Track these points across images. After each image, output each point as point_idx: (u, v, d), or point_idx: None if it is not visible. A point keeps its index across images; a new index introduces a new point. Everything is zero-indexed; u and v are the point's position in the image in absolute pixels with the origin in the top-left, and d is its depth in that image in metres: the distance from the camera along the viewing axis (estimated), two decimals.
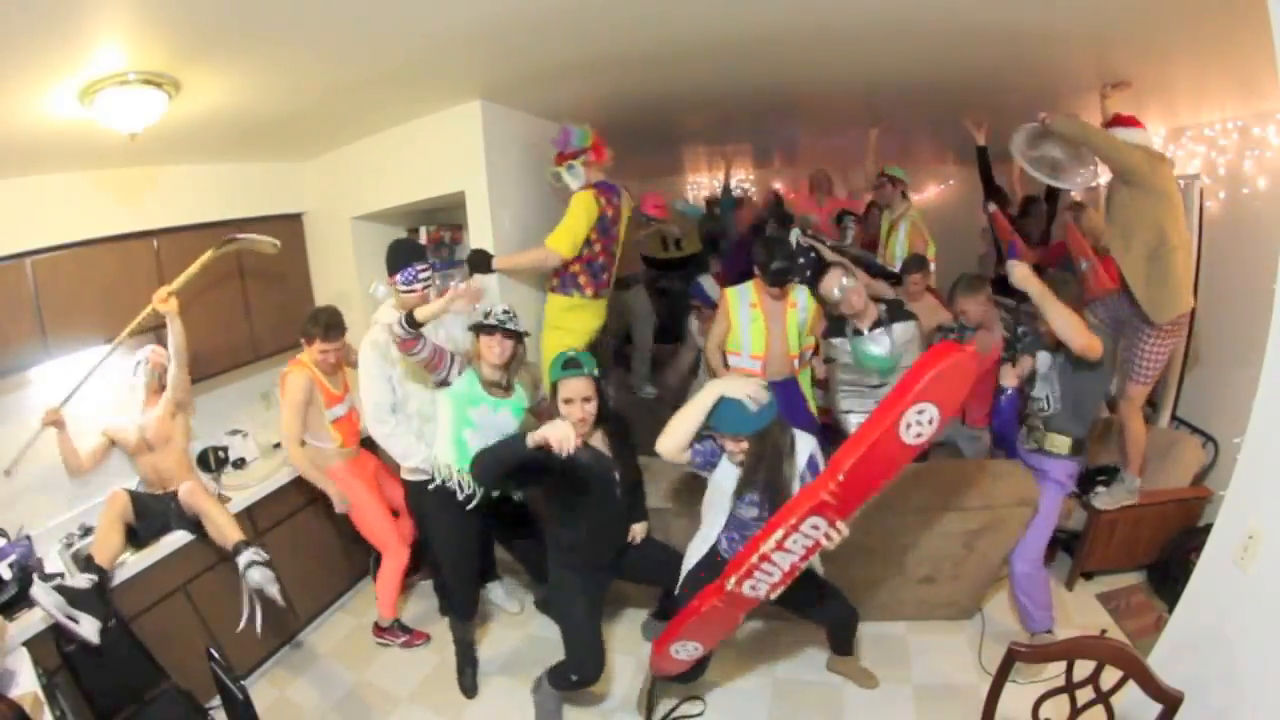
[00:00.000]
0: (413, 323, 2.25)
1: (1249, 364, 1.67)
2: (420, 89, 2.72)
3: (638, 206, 4.11)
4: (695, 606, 2.04)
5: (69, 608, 2.06)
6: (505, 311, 2.41)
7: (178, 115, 2.14)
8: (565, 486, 2.22)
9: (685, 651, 2.20)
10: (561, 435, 1.94)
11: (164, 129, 2.12)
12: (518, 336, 2.43)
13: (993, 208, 3.91)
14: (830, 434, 3.17)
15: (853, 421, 2.94)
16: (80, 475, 2.66)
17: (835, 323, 2.96)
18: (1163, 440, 3.17)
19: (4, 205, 2.39)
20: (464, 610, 2.76)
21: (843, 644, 2.60)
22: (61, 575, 2.40)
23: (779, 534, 1.83)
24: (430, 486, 2.50)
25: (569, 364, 2.19)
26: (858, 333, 2.83)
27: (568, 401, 2.17)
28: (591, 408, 2.20)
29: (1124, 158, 2.57)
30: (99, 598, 2.19)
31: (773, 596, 1.96)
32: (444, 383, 2.44)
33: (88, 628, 2.07)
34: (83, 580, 2.19)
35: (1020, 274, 2.30)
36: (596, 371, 2.22)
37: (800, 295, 2.89)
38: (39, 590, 2.05)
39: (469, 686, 2.75)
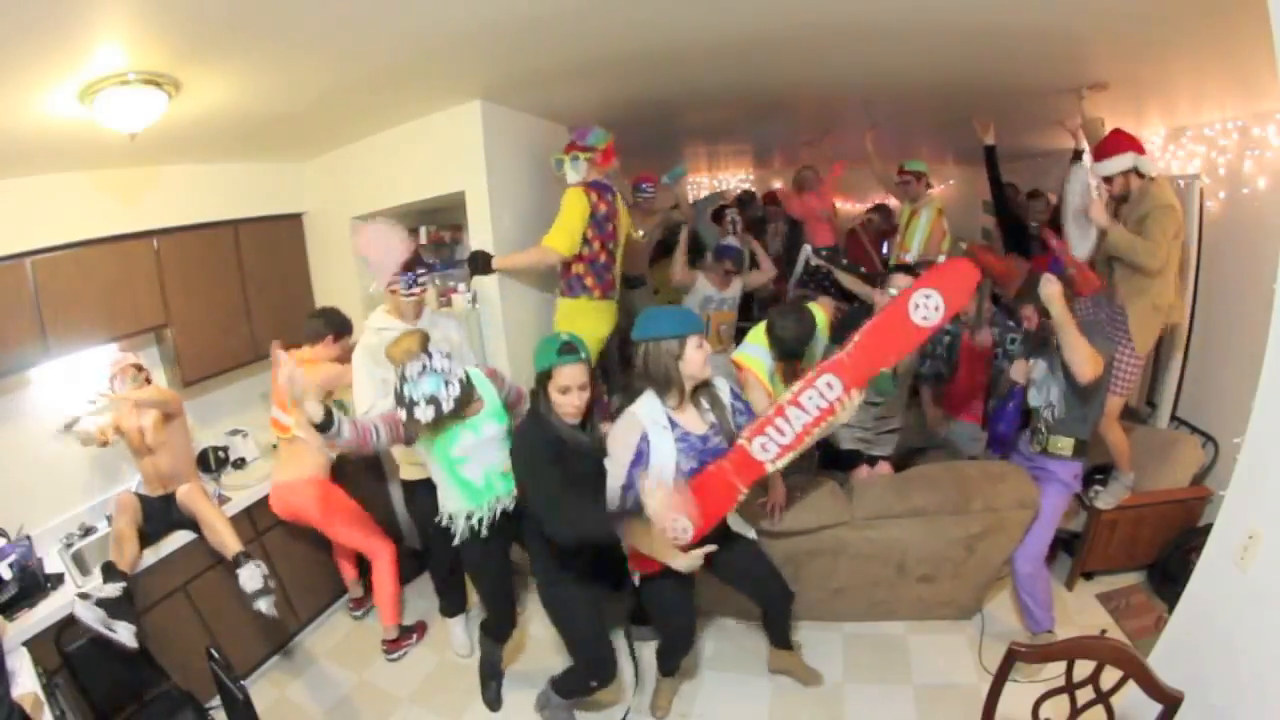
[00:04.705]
0: (327, 419, 1.88)
1: (1249, 364, 1.67)
2: (420, 89, 2.72)
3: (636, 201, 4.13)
4: (702, 473, 2.05)
5: (109, 619, 2.15)
6: (424, 370, 1.98)
7: (178, 115, 2.13)
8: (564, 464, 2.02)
9: (675, 528, 2.03)
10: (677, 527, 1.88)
11: (164, 129, 2.12)
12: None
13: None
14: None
15: (844, 435, 2.91)
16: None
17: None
18: (1163, 440, 3.16)
19: (4, 205, 2.40)
20: (502, 633, 2.65)
21: (780, 633, 2.55)
22: (62, 576, 2.41)
23: (796, 386, 2.02)
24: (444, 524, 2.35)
25: (565, 349, 1.96)
26: None
27: (564, 390, 1.96)
28: (587, 395, 2.01)
29: (1154, 262, 2.63)
30: (129, 603, 2.27)
31: (778, 464, 2.05)
32: (409, 441, 2.15)
33: (125, 634, 2.18)
34: (113, 589, 2.25)
35: (1049, 292, 2.24)
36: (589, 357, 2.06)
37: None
38: (80, 608, 2.14)
39: (493, 700, 2.67)
